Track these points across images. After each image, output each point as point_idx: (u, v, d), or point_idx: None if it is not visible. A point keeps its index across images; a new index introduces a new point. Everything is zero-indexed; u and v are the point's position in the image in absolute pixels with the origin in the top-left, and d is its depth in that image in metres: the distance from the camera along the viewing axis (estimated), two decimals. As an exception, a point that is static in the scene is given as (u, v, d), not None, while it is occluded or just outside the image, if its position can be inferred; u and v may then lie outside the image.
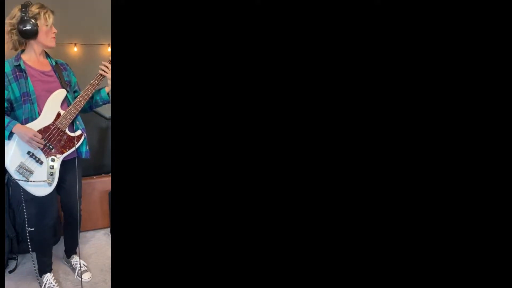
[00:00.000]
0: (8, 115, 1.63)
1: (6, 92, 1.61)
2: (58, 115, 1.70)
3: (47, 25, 1.65)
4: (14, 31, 1.64)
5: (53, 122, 1.68)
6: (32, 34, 1.64)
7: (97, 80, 1.73)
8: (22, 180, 1.64)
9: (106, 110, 2.07)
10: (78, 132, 1.76)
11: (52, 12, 1.69)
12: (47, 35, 1.67)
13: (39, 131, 1.64)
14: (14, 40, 1.66)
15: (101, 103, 1.91)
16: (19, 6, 1.63)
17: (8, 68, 1.63)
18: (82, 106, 1.72)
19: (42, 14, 1.64)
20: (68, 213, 1.94)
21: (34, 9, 1.63)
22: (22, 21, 1.61)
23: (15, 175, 1.63)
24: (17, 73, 1.63)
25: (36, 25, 1.63)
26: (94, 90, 1.74)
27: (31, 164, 1.65)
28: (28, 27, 1.62)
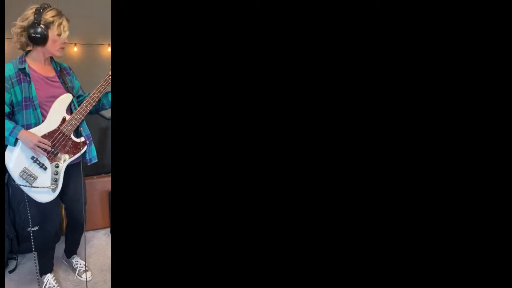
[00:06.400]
0: (10, 119, 1.57)
1: (9, 95, 1.55)
2: (64, 120, 1.66)
3: (59, 36, 1.59)
4: (24, 34, 1.57)
5: (58, 127, 1.64)
6: (41, 42, 1.57)
7: (104, 85, 1.69)
8: (25, 186, 1.58)
9: (106, 111, 2.07)
10: (82, 139, 1.71)
11: (68, 21, 1.62)
12: (55, 44, 1.60)
13: (44, 136, 1.59)
14: (22, 42, 1.60)
15: (107, 106, 1.87)
16: (34, 9, 1.56)
17: (12, 71, 1.57)
18: (88, 110, 1.69)
19: (56, 23, 1.57)
20: (73, 219, 1.91)
21: (48, 17, 1.56)
22: (33, 26, 1.54)
23: (19, 181, 1.58)
24: (21, 77, 1.58)
25: (47, 33, 1.56)
26: (101, 95, 1.69)
27: (34, 169, 1.60)
28: (38, 34, 1.55)
